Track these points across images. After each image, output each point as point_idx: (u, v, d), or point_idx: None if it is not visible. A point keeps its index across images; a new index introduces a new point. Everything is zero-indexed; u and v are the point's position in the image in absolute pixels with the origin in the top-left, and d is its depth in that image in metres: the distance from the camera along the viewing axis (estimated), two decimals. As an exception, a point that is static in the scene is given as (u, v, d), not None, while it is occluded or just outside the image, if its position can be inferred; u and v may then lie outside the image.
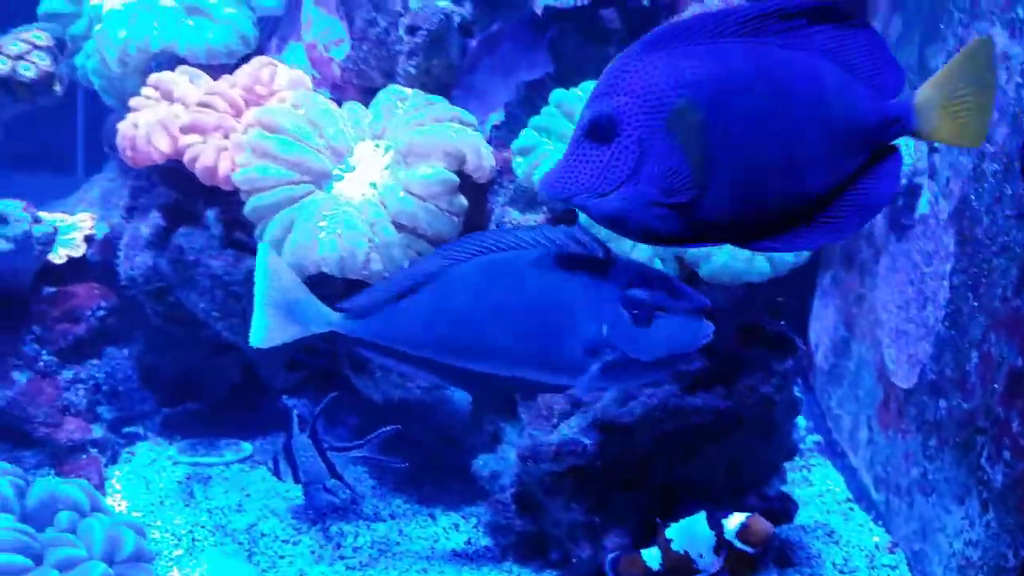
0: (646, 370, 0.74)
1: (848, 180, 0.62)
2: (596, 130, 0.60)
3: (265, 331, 0.80)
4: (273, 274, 0.80)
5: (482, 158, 1.03)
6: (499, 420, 1.21)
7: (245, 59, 1.27)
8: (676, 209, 0.60)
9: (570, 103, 0.99)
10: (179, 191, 1.28)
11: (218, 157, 1.09)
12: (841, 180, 0.62)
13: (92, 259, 1.46)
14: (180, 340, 1.44)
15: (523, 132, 1.01)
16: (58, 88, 1.03)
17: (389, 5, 1.15)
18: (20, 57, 0.94)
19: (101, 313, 1.43)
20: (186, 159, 1.10)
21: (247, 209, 1.07)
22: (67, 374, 1.39)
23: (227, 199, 1.21)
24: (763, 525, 0.84)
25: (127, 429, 1.54)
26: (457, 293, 0.76)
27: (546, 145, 0.97)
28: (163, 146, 1.12)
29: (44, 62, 0.97)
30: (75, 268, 1.45)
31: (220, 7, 1.25)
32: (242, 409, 1.61)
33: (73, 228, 1.46)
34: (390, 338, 0.80)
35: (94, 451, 1.39)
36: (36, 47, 0.95)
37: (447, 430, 1.27)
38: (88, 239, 1.46)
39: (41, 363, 1.37)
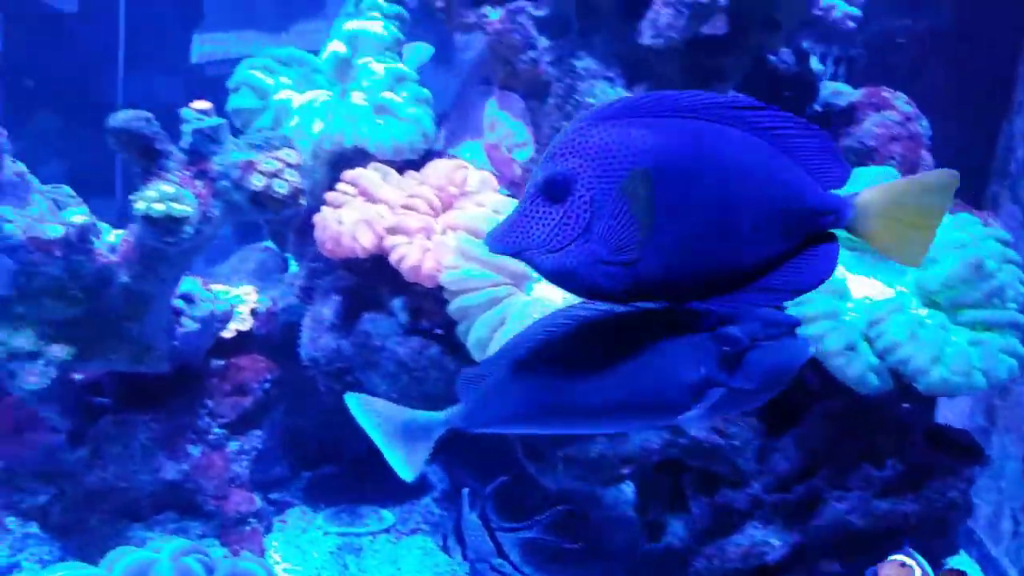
0: (750, 397, 0.75)
1: (785, 255, 0.66)
2: (550, 189, 0.63)
3: (405, 463, 0.82)
4: (372, 413, 0.85)
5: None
6: (664, 512, 1.25)
7: (425, 152, 1.35)
8: (621, 267, 0.64)
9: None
10: (360, 277, 1.34)
11: (423, 257, 1.15)
12: (776, 256, 0.66)
13: (256, 332, 1.53)
14: (333, 408, 1.50)
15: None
16: (303, 201, 1.10)
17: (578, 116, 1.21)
18: (275, 175, 1.01)
19: (266, 386, 1.49)
20: (393, 258, 1.16)
21: (453, 308, 1.13)
22: (233, 446, 1.45)
23: (411, 290, 1.27)
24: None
25: (273, 495, 1.60)
26: (554, 365, 0.78)
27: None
28: (367, 244, 1.19)
29: (294, 178, 1.04)
30: (241, 340, 1.52)
31: (405, 107, 1.32)
32: (378, 471, 1.66)
33: (239, 301, 1.53)
34: (503, 418, 0.82)
35: (254, 521, 1.44)
36: (288, 165, 1.02)
37: (613, 518, 1.31)
38: (253, 312, 1.54)
39: (211, 436, 1.42)
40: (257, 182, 1.02)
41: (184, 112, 1.06)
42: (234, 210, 1.07)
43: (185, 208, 1.01)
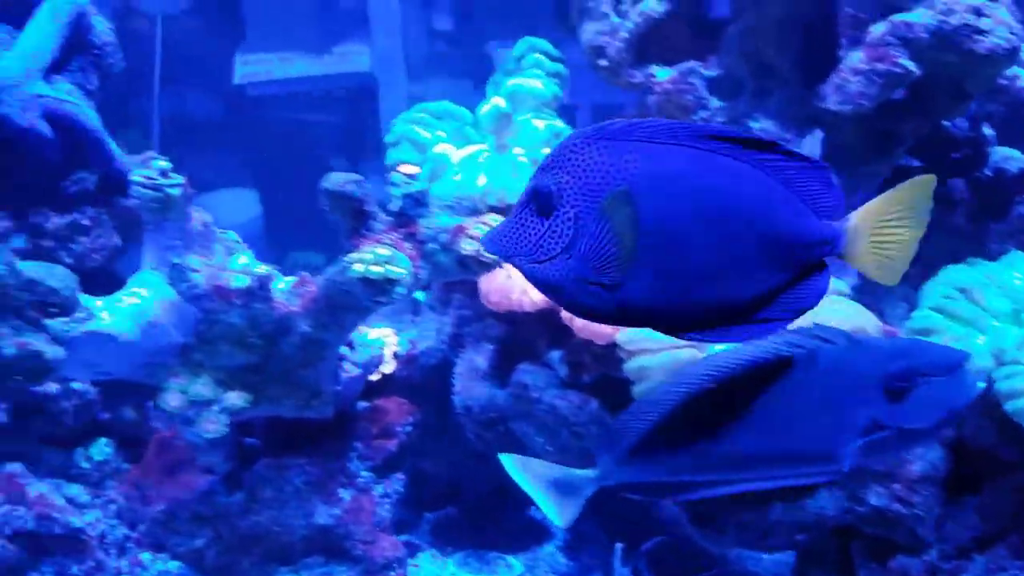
0: (918, 438, 0.74)
1: (780, 288, 0.64)
2: (537, 200, 0.62)
3: (560, 515, 0.83)
4: (526, 472, 0.85)
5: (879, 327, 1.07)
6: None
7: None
8: (603, 289, 0.62)
9: (977, 287, 1.03)
10: (513, 327, 1.36)
11: (598, 314, 1.16)
12: (767, 289, 0.64)
13: (397, 374, 1.55)
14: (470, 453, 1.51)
15: (918, 313, 1.05)
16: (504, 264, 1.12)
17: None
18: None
19: (408, 428, 1.50)
20: (566, 314, 1.17)
21: (631, 367, 1.13)
22: (378, 489, 1.47)
23: (571, 343, 1.28)
24: None
25: (402, 537, 1.61)
26: (707, 416, 0.77)
27: (955, 328, 1.01)
28: (539, 299, 1.20)
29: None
30: (383, 383, 1.54)
31: (563, 161, 1.34)
32: (498, 515, 1.66)
33: (381, 343, 1.55)
34: (653, 472, 0.81)
35: (397, 567, 1.45)
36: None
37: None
38: (395, 355, 1.56)
39: (360, 479, 1.44)
40: (467, 246, 1.05)
41: (393, 176, 1.09)
42: (439, 272, 1.09)
43: (401, 271, 1.02)
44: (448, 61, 2.78)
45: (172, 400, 1.16)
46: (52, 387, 1.39)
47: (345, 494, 1.41)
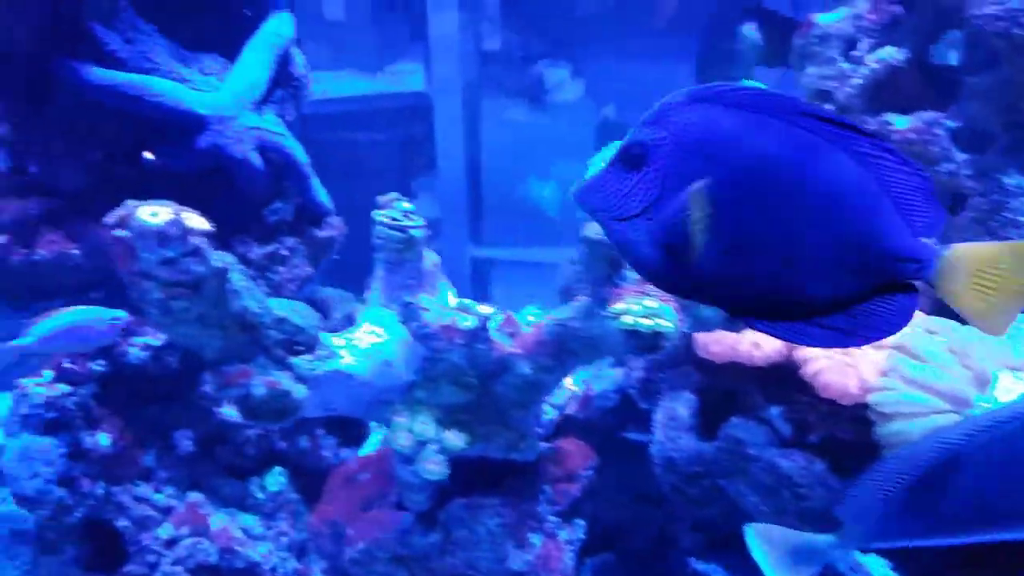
0: None
1: (856, 297, 0.59)
2: (628, 156, 0.60)
3: None
4: (767, 541, 0.82)
5: None
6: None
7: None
8: (676, 257, 0.59)
9: None
10: (715, 377, 1.32)
11: (845, 373, 1.12)
12: (843, 295, 0.59)
13: (575, 416, 1.52)
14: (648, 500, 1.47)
15: None
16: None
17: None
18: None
19: (590, 472, 1.46)
20: (807, 370, 1.14)
21: (887, 431, 1.09)
22: (563, 535, 1.43)
23: (791, 399, 1.24)
24: None
25: (567, 581, 1.57)
26: (964, 476, 0.74)
27: None
28: (771, 351, 1.16)
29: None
30: (563, 425, 1.50)
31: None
32: (656, 563, 1.62)
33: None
34: (905, 535, 0.78)
35: (574, 616, 1.41)
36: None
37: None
38: (572, 396, 1.52)
39: (548, 524, 1.40)
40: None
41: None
42: (701, 324, 1.06)
43: (668, 325, 1.00)
44: (499, 80, 2.77)
45: (402, 439, 1.14)
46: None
47: (536, 539, 1.37)
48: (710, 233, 0.59)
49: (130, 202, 0.94)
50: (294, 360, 1.04)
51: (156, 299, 0.95)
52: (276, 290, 1.37)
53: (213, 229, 0.95)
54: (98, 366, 1.28)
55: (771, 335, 0.63)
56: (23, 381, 1.25)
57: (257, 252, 1.35)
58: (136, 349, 1.30)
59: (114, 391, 1.30)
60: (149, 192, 1.01)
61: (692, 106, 0.59)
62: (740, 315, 0.62)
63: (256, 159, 1.30)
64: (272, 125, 1.33)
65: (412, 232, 1.08)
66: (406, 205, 1.10)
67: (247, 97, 1.30)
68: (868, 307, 0.60)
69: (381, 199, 1.10)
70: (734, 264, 0.59)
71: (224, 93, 1.29)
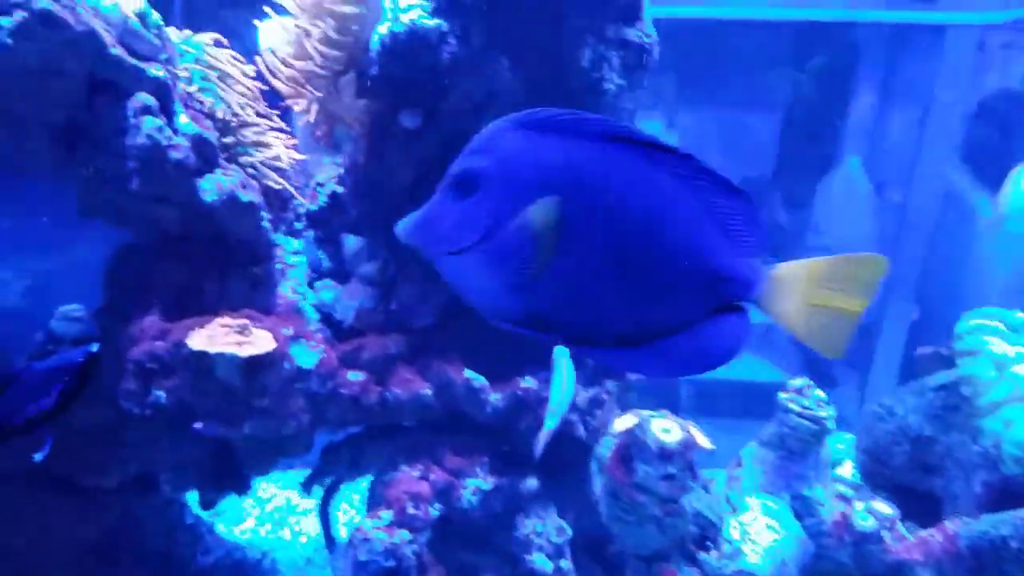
0: None
1: (692, 322, 0.58)
2: (458, 186, 0.59)
3: None
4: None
5: None
6: None
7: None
8: (515, 286, 0.58)
9: None
10: None
11: None
12: (676, 320, 0.58)
13: None
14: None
15: None
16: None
17: None
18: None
19: None
20: None
21: None
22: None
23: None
24: None
25: None
26: None
27: None
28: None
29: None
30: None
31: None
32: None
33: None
34: None
35: None
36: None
37: None
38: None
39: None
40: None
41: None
42: None
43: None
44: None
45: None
46: None
47: None
48: (551, 257, 0.57)
49: (642, 412, 0.91)
50: (704, 557, 1.02)
51: (651, 514, 0.92)
52: (593, 435, 1.34)
53: (713, 447, 0.93)
54: (435, 510, 1.24)
55: (609, 364, 0.59)
56: (363, 524, 1.21)
57: (583, 396, 1.33)
58: (468, 492, 1.27)
59: (444, 536, 1.27)
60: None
61: (518, 132, 0.58)
62: (579, 344, 0.60)
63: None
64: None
65: (827, 423, 1.07)
66: (820, 393, 1.08)
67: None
68: (701, 331, 0.59)
69: (791, 383, 1.09)
70: (569, 289, 0.58)
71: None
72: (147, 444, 1.28)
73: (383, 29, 1.13)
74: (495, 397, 1.27)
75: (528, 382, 1.28)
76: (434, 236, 0.59)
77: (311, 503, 1.80)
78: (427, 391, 1.24)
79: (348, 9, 1.14)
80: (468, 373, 1.26)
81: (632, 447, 0.91)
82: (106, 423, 1.32)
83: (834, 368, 2.74)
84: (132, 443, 1.32)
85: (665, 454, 0.90)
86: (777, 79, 2.35)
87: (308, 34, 1.19)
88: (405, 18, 1.11)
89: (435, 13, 1.12)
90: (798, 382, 1.10)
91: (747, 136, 2.47)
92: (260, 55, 1.33)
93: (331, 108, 1.27)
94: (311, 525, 1.78)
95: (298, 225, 1.49)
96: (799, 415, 1.09)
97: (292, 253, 1.44)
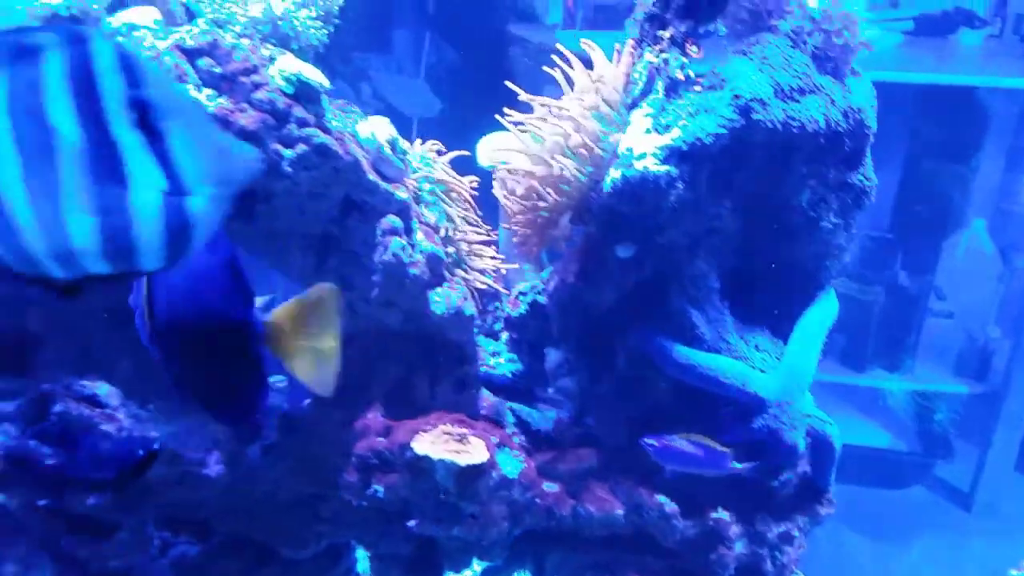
0: None
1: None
2: None
3: None
4: None
5: None
6: None
7: None
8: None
9: None
10: None
11: None
12: (214, 364, 0.61)
13: None
14: None
15: None
16: None
17: None
18: None
19: None
20: None
21: None
22: None
23: None
24: None
25: None
26: None
27: None
28: None
29: None
30: None
31: None
32: None
33: None
34: None
35: None
36: None
37: None
38: None
39: None
40: None
41: None
42: None
43: None
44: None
45: None
46: None
47: None
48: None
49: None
50: None
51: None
52: (780, 572, 1.35)
53: None
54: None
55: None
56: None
57: (775, 530, 1.34)
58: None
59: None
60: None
61: None
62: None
63: (803, 445, 1.29)
64: (823, 414, 1.32)
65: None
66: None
67: (801, 383, 1.30)
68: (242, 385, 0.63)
69: None
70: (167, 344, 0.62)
71: (781, 377, 1.29)
72: (355, 529, 1.38)
73: (616, 173, 1.20)
74: (686, 524, 1.30)
75: (720, 513, 1.31)
76: None
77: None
78: (619, 511, 1.29)
79: (598, 152, 1.23)
80: (660, 497, 1.30)
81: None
82: (309, 498, 1.45)
83: (949, 436, 2.62)
84: (336, 522, 1.44)
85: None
86: (901, 137, 2.33)
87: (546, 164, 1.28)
88: (639, 164, 1.19)
89: (666, 160, 1.19)
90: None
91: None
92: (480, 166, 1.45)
93: (548, 231, 1.36)
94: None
95: (496, 327, 1.59)
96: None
97: (491, 354, 1.54)
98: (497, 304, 1.58)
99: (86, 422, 1.17)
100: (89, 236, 0.49)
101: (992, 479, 2.49)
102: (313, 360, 0.64)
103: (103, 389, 1.20)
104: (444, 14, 2.65)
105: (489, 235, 1.47)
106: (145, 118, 0.48)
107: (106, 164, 0.48)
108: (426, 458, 1.23)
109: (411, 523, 1.27)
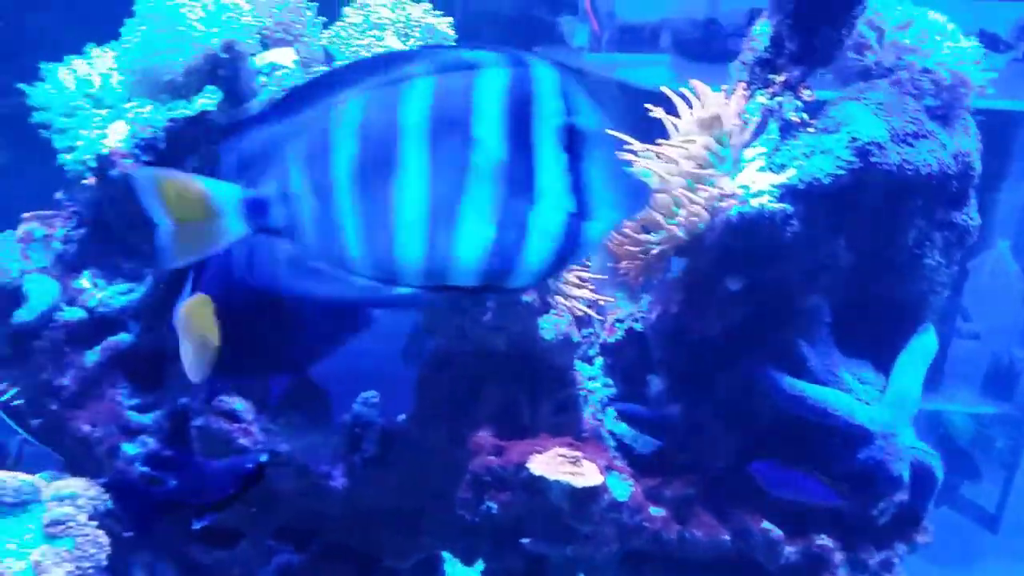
0: None
1: None
2: None
3: None
4: None
5: None
6: None
7: None
8: None
9: None
10: None
11: None
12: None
13: None
14: None
15: None
16: None
17: None
18: None
19: None
20: None
21: None
22: None
23: None
24: None
25: None
26: None
27: None
28: None
29: None
30: None
31: None
32: None
33: None
34: None
35: None
36: None
37: None
38: None
39: None
40: None
41: None
42: None
43: None
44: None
45: None
46: None
47: None
48: None
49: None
50: None
51: None
52: (876, 600, 1.37)
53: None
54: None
55: None
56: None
57: (876, 558, 1.37)
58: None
59: None
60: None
61: None
62: None
63: (906, 475, 1.33)
64: (926, 446, 1.36)
65: None
66: None
67: (906, 415, 1.34)
68: None
69: None
70: None
71: (887, 409, 1.33)
72: (459, 542, 1.44)
73: (730, 208, 1.26)
74: (791, 550, 1.33)
75: (824, 540, 1.34)
76: None
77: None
78: (725, 537, 1.33)
79: (713, 190, 1.28)
80: (766, 524, 1.33)
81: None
82: (410, 510, 1.51)
83: (977, 459, 2.60)
84: (437, 534, 1.49)
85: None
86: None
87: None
88: (755, 201, 1.24)
89: (782, 198, 1.24)
90: None
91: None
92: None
93: (655, 264, 1.41)
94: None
95: (591, 352, 1.64)
96: None
97: (588, 379, 1.59)
98: (591, 330, 1.64)
99: (225, 436, 1.24)
100: (479, 247, 0.49)
101: (1020, 500, 2.48)
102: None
103: (239, 405, 1.27)
104: (468, 38, 2.72)
105: (586, 264, 1.53)
106: (572, 143, 0.50)
107: (520, 180, 0.49)
108: (542, 479, 1.28)
109: (525, 540, 1.31)
